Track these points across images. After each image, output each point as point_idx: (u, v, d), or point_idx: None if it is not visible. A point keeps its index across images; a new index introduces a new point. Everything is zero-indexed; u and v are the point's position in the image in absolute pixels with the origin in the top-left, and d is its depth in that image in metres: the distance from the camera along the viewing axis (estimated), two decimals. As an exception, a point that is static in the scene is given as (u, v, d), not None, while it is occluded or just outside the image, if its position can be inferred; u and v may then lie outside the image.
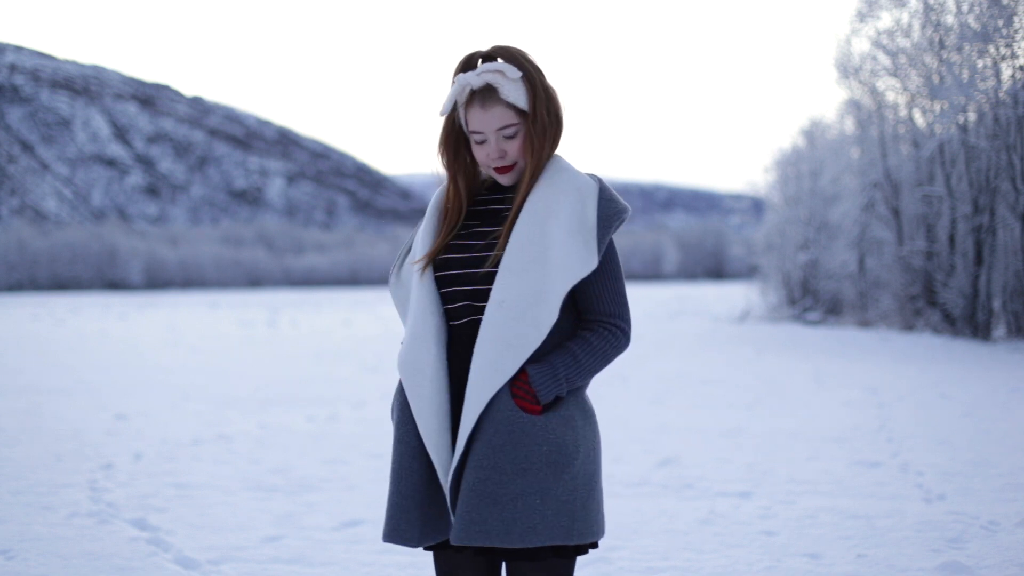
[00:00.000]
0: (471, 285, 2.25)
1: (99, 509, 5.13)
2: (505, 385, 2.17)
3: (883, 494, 5.39)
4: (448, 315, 2.29)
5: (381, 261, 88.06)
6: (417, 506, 2.22)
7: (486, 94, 2.23)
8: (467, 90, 2.25)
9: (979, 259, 16.65)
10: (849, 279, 22.66)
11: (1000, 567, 4.03)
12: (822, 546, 4.38)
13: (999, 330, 17.07)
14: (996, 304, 16.90)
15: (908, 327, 18.79)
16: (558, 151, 2.34)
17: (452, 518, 2.21)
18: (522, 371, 2.18)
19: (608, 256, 2.26)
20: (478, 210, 2.37)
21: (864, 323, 21.06)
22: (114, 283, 76.25)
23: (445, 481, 2.20)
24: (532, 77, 2.25)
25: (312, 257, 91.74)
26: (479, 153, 2.27)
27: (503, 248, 2.22)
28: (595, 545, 2.27)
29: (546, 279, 2.19)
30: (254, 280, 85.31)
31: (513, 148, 2.25)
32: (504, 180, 2.30)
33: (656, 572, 4.05)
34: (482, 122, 2.24)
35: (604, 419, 8.25)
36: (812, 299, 24.46)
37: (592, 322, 2.27)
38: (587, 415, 2.26)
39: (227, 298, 50.69)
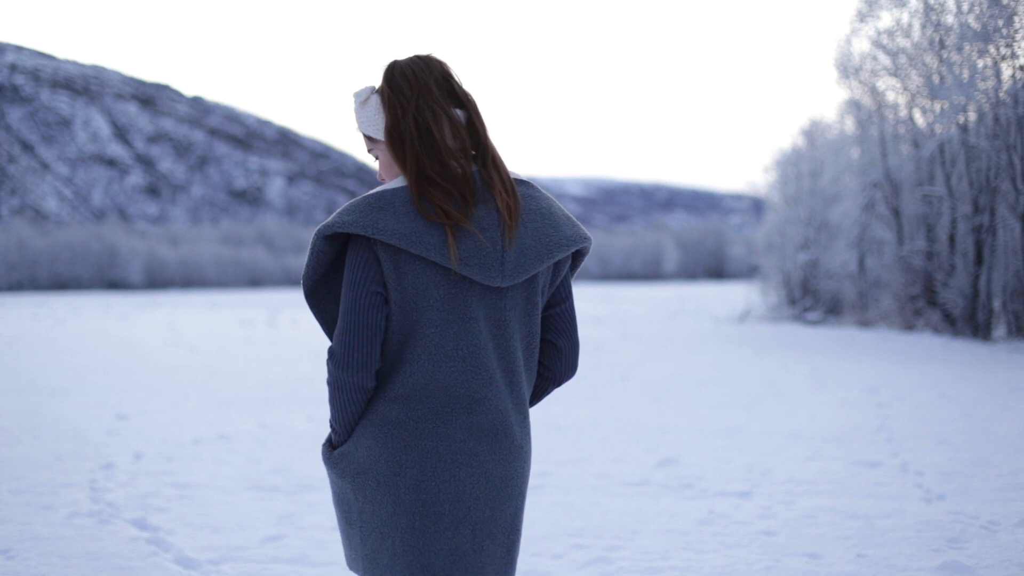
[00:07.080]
0: None
1: (99, 509, 5.13)
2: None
3: (883, 494, 5.39)
4: None
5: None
6: None
7: None
8: None
9: (979, 259, 16.65)
10: (849, 279, 22.67)
11: (1000, 567, 4.03)
12: (822, 546, 4.39)
13: (999, 330, 17.08)
14: (996, 304, 16.90)
15: (908, 327, 18.79)
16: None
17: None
18: None
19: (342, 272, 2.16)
20: None
21: (864, 323, 21.07)
22: (114, 283, 76.22)
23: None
24: (385, 96, 2.10)
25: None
26: None
27: None
28: None
29: None
30: (254, 280, 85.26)
31: (381, 169, 2.19)
32: None
33: (656, 572, 4.05)
34: None
35: (605, 419, 8.25)
36: (812, 299, 24.47)
37: None
38: (364, 467, 2.11)
39: (227, 298, 50.67)
